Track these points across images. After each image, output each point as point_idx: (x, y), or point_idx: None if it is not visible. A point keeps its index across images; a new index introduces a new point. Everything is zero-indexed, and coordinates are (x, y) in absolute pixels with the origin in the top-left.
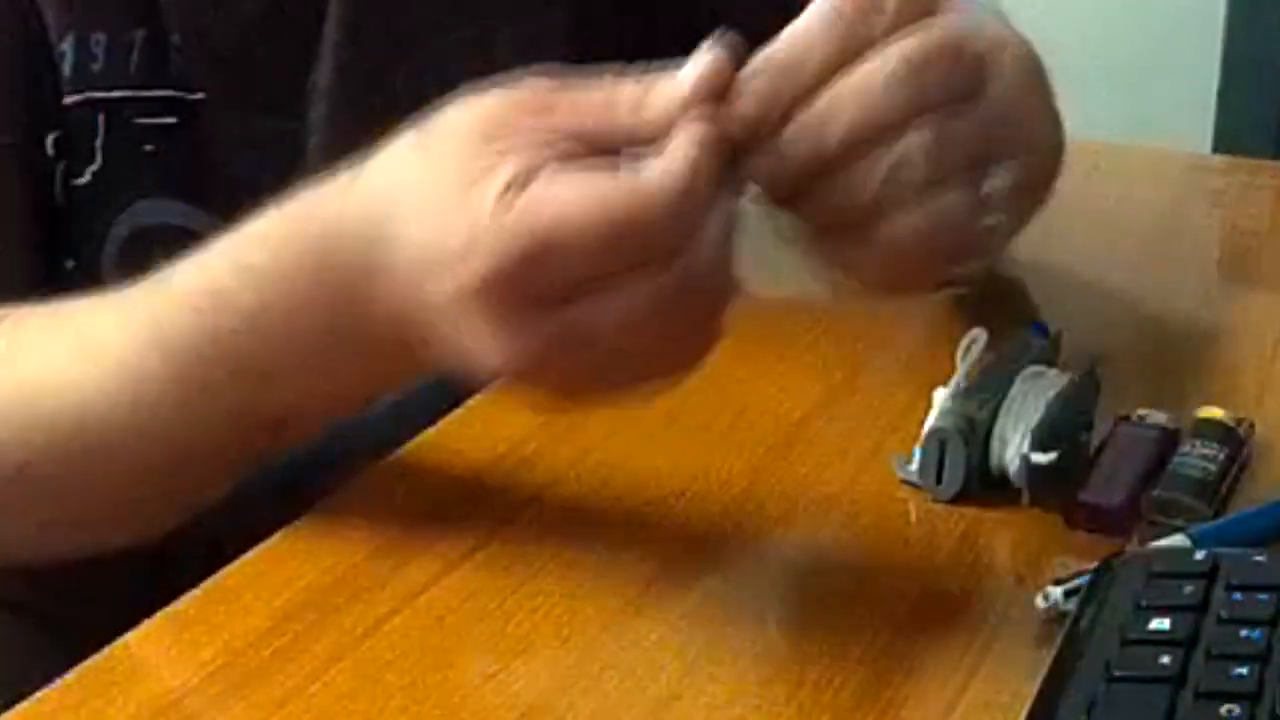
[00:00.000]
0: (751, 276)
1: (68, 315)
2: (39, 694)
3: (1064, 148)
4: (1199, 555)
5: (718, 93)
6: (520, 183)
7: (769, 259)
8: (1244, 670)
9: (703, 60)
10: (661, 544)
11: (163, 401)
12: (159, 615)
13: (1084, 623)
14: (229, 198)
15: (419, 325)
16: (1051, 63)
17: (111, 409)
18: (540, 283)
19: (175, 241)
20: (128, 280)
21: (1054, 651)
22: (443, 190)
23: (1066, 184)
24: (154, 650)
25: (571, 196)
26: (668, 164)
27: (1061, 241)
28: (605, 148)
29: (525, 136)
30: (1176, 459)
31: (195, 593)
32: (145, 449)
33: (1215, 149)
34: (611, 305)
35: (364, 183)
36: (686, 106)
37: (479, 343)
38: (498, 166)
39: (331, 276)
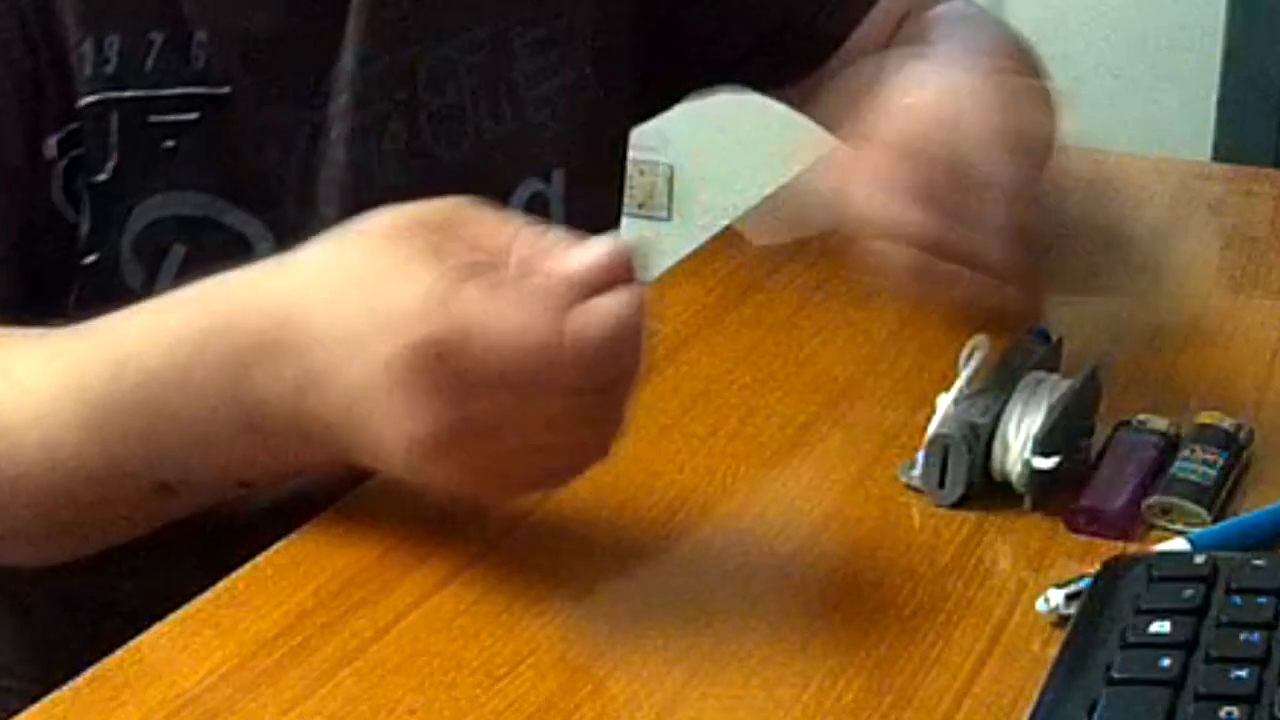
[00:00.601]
0: (754, 226)
1: (18, 345)
2: (52, 695)
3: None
4: (1199, 559)
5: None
6: (464, 273)
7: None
8: (1243, 673)
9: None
10: (666, 549)
11: (66, 444)
12: (170, 618)
13: (1085, 626)
14: (250, 187)
15: (328, 408)
16: (1056, 75)
17: (23, 441)
18: (464, 368)
19: (191, 230)
20: (146, 272)
21: (1056, 654)
22: (385, 265)
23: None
24: (165, 653)
25: (500, 308)
26: (595, 319)
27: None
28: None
29: (467, 239)
30: (1177, 464)
31: (206, 596)
32: (50, 485)
33: (1215, 157)
34: (521, 410)
35: (289, 265)
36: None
37: (394, 419)
38: (445, 250)
39: (233, 352)
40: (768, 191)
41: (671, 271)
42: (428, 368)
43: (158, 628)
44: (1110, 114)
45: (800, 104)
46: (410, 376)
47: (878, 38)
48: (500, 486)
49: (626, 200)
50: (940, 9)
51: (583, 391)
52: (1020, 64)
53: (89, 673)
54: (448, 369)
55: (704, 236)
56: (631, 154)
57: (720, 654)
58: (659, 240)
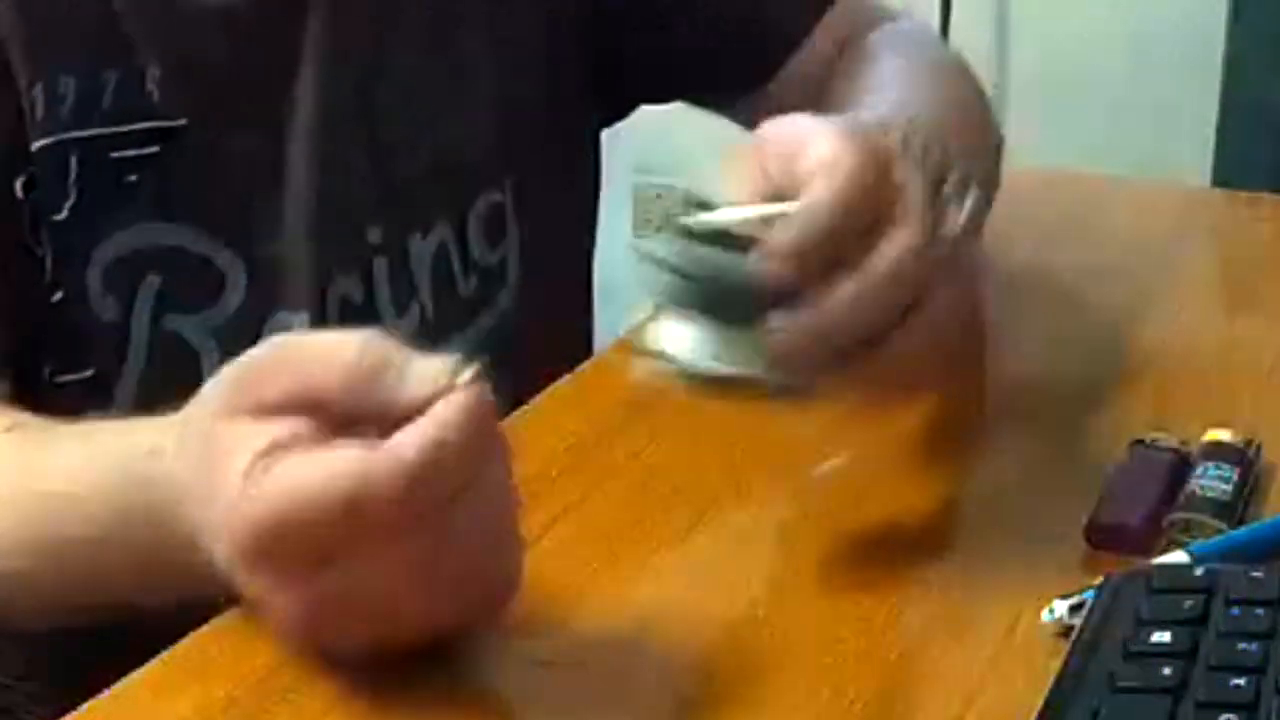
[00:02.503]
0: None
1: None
2: None
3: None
4: (1198, 571)
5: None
6: (265, 457)
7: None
8: (1241, 681)
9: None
10: (684, 558)
11: (12, 553)
12: (164, 654)
13: (1088, 636)
14: (218, 217)
15: (220, 575)
16: (1058, 100)
17: None
18: (290, 551)
19: (163, 261)
20: (120, 305)
21: (1060, 663)
22: (209, 466)
23: (1072, 216)
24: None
25: (306, 472)
26: (407, 440)
27: (1065, 272)
28: (360, 415)
29: (277, 405)
30: (1194, 480)
31: (204, 630)
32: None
33: (1214, 183)
34: (367, 570)
35: (172, 444)
36: (445, 385)
37: (259, 604)
38: (247, 441)
39: (144, 508)
40: None
41: None
42: (261, 559)
43: (148, 666)
44: (1113, 141)
45: (747, 124)
46: (252, 573)
47: (818, 60)
48: (398, 638)
49: (644, 224)
50: (877, 38)
51: (426, 519)
52: (956, 96)
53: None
54: (282, 553)
55: None
56: (647, 178)
57: (735, 661)
58: None
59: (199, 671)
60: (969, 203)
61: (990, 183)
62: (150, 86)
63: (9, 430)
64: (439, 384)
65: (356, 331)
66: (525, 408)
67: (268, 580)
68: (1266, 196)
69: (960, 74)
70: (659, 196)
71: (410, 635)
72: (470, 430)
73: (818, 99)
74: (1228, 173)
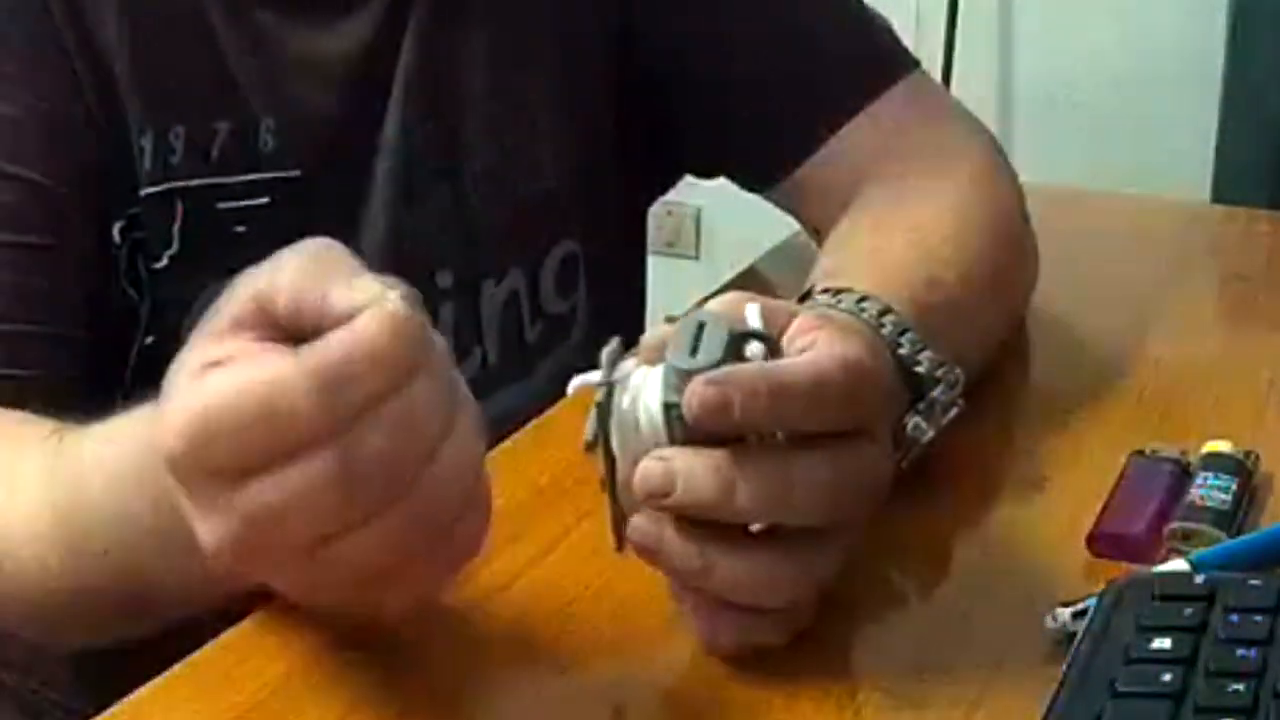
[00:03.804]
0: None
1: (27, 452)
2: None
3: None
4: (1198, 579)
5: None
6: (203, 371)
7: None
8: (1240, 687)
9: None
10: None
11: (52, 554)
12: (175, 668)
13: (1091, 642)
14: None
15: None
16: (1060, 118)
17: (11, 542)
18: (215, 461)
19: None
20: None
21: (1062, 669)
22: (169, 381)
23: (1075, 232)
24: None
25: (226, 380)
26: (320, 345)
27: (1068, 286)
28: (302, 324)
29: (234, 321)
30: (1194, 490)
31: (218, 640)
32: (30, 590)
33: (1214, 199)
34: (280, 482)
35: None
36: (375, 297)
37: (195, 529)
38: (195, 358)
39: (149, 480)
40: (790, 233)
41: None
42: (189, 471)
43: (157, 680)
44: (1114, 158)
45: (790, 207)
46: (185, 488)
47: (846, 172)
48: (332, 569)
49: (656, 241)
50: (923, 171)
51: (340, 430)
52: (968, 272)
53: None
54: (207, 462)
55: (730, 275)
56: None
57: (745, 668)
58: (687, 279)
59: (208, 684)
60: (946, 418)
61: (987, 354)
62: (265, 137)
63: (54, 432)
64: (370, 296)
65: (313, 240)
66: (534, 423)
67: (197, 496)
68: (1264, 213)
69: (996, 215)
70: (670, 214)
71: (344, 567)
72: (386, 340)
73: (849, 199)
74: (1227, 189)
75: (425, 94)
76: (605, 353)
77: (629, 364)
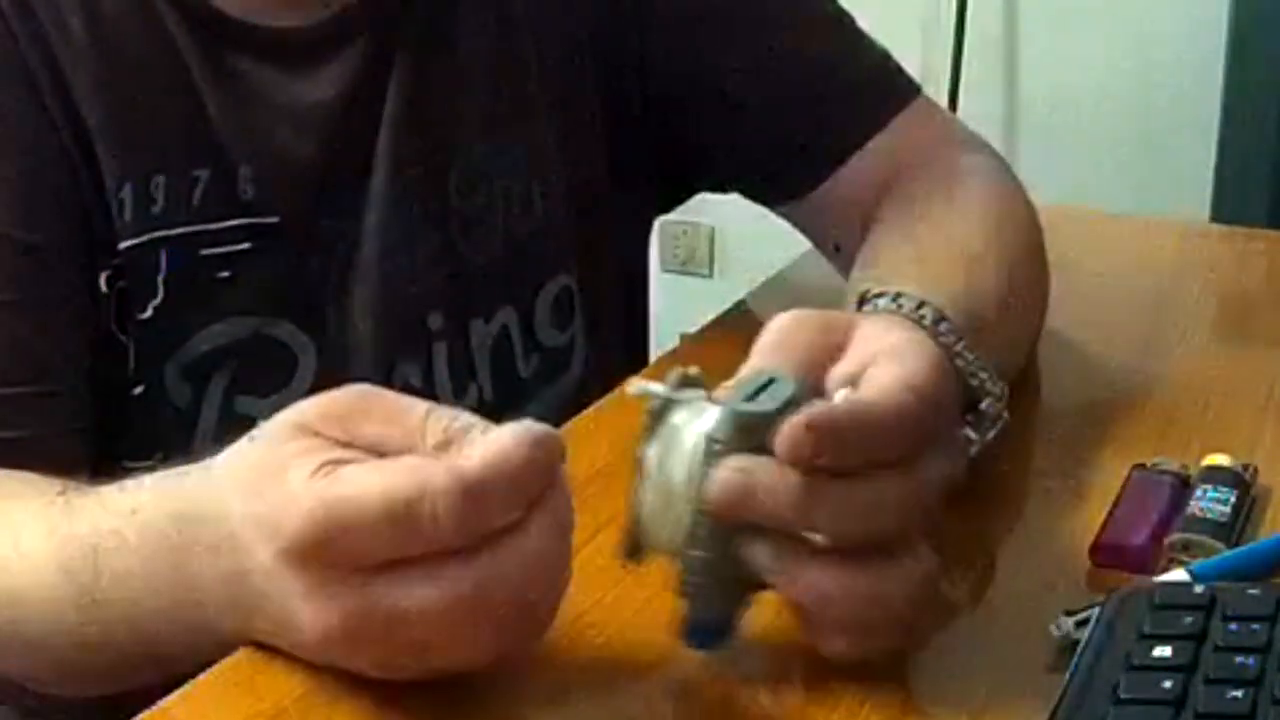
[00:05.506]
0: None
1: (29, 508)
2: None
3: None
4: (1198, 589)
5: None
6: (330, 465)
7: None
8: (1239, 693)
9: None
10: None
11: (63, 612)
12: (188, 685)
13: (1093, 650)
14: (296, 301)
15: (248, 595)
16: (1061, 139)
17: (21, 603)
18: (341, 553)
19: (243, 348)
20: (193, 391)
21: (1066, 676)
22: (266, 469)
23: (1075, 250)
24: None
25: (368, 476)
26: (468, 454)
27: (1070, 304)
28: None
29: (377, 423)
30: (1194, 503)
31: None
32: (46, 642)
33: (1213, 218)
34: (409, 589)
35: (214, 467)
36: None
37: (294, 609)
38: (313, 452)
39: (177, 546)
40: (803, 250)
41: (712, 324)
42: (311, 557)
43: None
44: (1114, 177)
45: (796, 221)
46: (298, 571)
47: (868, 189)
48: (423, 668)
49: (670, 259)
50: (938, 179)
51: (476, 549)
52: (1003, 278)
53: None
54: (332, 554)
55: (743, 293)
56: (675, 215)
57: (756, 677)
58: (701, 297)
59: (230, 693)
60: (991, 432)
61: (1022, 356)
62: (243, 185)
63: (61, 493)
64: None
65: (427, 402)
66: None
67: (312, 580)
68: (1262, 231)
69: (1016, 229)
70: (685, 233)
71: (437, 666)
72: (531, 458)
73: (870, 216)
74: (1225, 208)
75: (413, 139)
76: (675, 371)
77: (695, 391)
